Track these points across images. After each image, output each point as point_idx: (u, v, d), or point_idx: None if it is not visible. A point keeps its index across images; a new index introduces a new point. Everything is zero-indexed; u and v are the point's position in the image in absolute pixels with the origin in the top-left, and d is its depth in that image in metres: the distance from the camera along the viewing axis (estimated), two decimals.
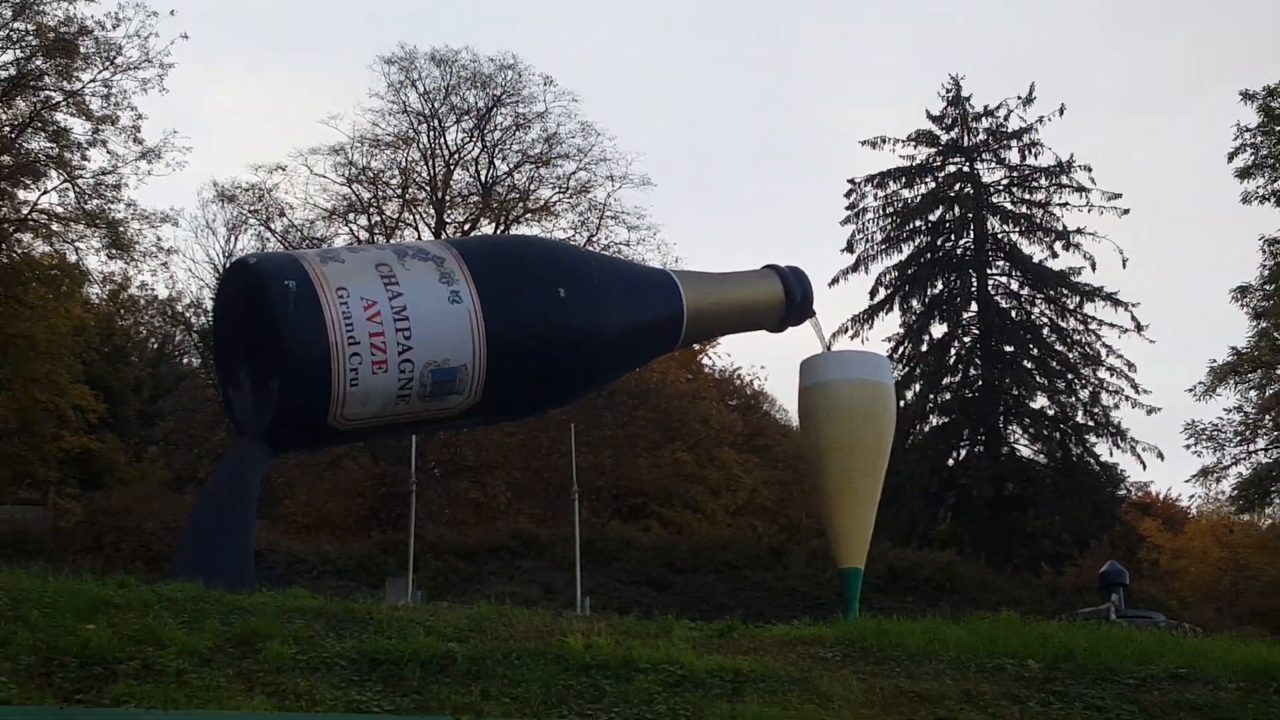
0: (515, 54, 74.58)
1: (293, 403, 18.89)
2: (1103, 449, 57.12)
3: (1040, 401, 57.64)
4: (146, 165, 51.00)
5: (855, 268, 59.51)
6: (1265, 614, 49.07)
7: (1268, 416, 46.58)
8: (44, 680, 12.20)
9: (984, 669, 15.71)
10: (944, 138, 60.34)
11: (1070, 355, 57.75)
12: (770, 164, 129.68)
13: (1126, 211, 58.79)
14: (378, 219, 57.03)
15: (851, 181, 60.54)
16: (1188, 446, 48.34)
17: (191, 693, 12.20)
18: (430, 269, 19.73)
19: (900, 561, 45.52)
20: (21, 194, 50.25)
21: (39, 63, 49.79)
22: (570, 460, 31.21)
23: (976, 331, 58.23)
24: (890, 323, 59.90)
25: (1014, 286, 59.12)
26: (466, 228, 55.84)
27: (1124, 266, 62.93)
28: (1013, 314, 58.57)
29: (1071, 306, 58.08)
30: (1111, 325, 57.32)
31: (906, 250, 59.61)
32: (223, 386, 21.44)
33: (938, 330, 59.01)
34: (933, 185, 60.21)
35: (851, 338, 58.30)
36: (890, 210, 60.11)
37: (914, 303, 59.16)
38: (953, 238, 59.84)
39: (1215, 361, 47.12)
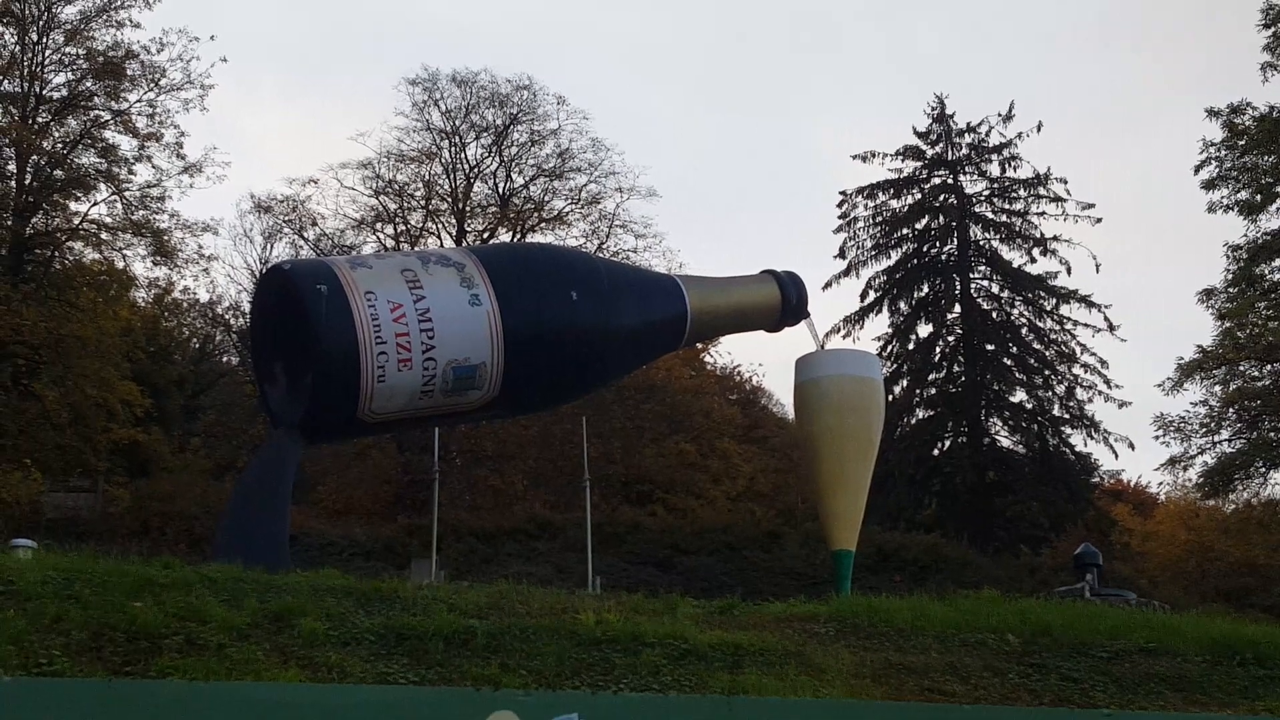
0: (530, 75, 74.80)
1: (324, 397, 18.89)
2: (1077, 439, 57.29)
3: (1019, 396, 57.75)
4: (189, 179, 51.07)
5: (847, 272, 59.62)
6: (1228, 593, 49.10)
7: (1231, 409, 46.47)
8: (94, 654, 12.21)
9: (967, 643, 15.68)
10: (929, 152, 60.39)
11: (1047, 353, 57.78)
12: (767, 176, 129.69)
13: (1099, 220, 58.87)
14: (403, 228, 57.04)
15: (843, 193, 60.74)
16: (1156, 437, 48.26)
17: (231, 665, 12.21)
18: (452, 274, 19.72)
19: (889, 543, 45.56)
20: (73, 205, 50.33)
21: (89, 84, 49.86)
22: (582, 450, 31.25)
23: (960, 331, 58.27)
24: (880, 323, 59.97)
25: (995, 289, 59.18)
26: (485, 236, 55.83)
27: (1097, 271, 62.96)
28: (993, 315, 58.59)
29: (1048, 308, 58.16)
30: (1085, 325, 57.51)
31: (895, 256, 59.72)
32: (260, 383, 21.43)
33: (924, 330, 59.15)
34: (919, 196, 60.25)
35: (843, 337, 58.45)
36: (879, 219, 60.17)
37: (901, 305, 59.23)
38: (938, 244, 59.87)
39: (1182, 359, 47.07)
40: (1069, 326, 57.72)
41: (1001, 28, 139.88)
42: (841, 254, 59.91)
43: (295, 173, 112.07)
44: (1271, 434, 46.01)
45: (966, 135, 60.29)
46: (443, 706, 11.61)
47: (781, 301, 23.81)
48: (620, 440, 52.04)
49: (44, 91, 49.83)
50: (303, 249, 57.50)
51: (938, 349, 58.70)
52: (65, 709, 10.75)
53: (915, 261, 59.52)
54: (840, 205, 60.55)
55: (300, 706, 11.18)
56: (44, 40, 49.70)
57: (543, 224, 57.29)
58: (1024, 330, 58.32)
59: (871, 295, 59.31)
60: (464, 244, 52.96)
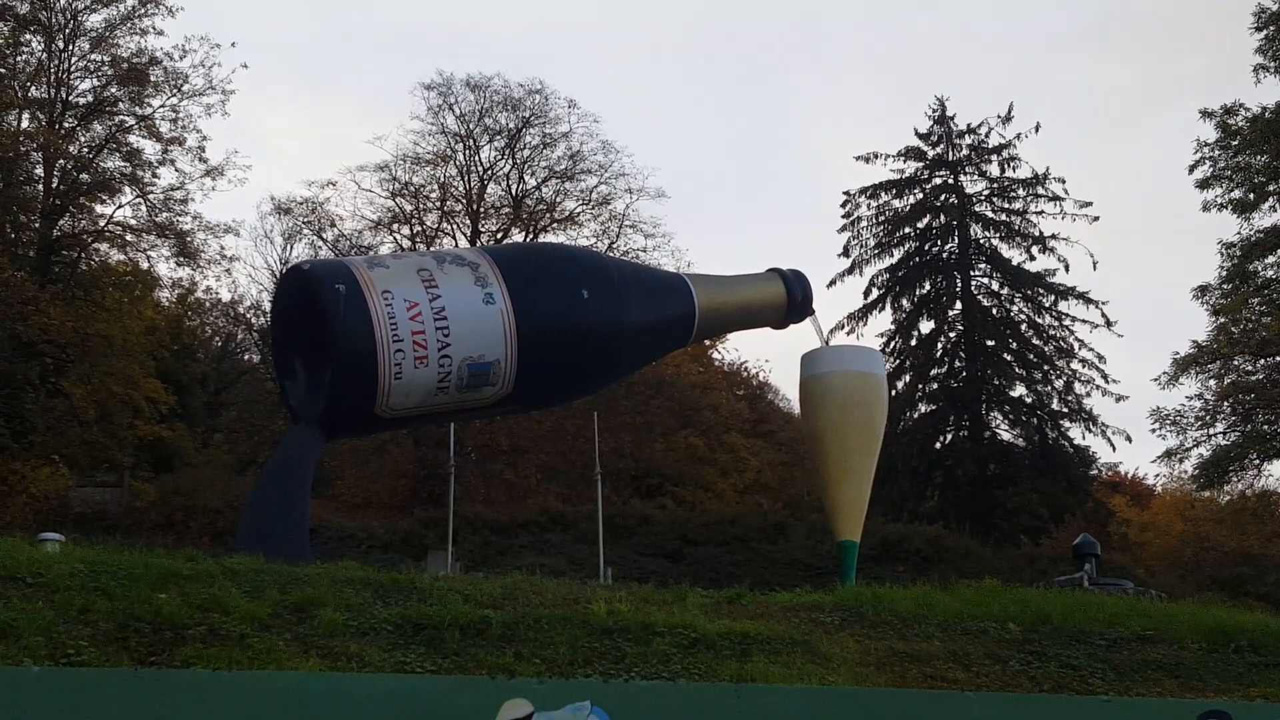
0: (542, 80, 74.83)
1: (343, 394, 18.91)
2: (1076, 433, 57.24)
3: (1019, 390, 57.70)
4: (211, 182, 51.16)
5: (851, 271, 59.53)
6: (1223, 581, 49.02)
7: (1225, 403, 46.39)
8: (120, 644, 12.23)
9: (969, 631, 15.68)
10: (931, 153, 60.33)
11: (1046, 348, 57.73)
12: (773, 177, 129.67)
13: (1097, 218, 58.77)
14: (419, 229, 57.03)
15: (847, 193, 60.66)
16: (1153, 430, 48.15)
17: (253, 655, 12.22)
18: (467, 273, 19.73)
19: (892, 534, 45.55)
20: (99, 208, 50.46)
21: (114, 90, 49.96)
22: (593, 444, 31.20)
23: (961, 327, 58.23)
24: (883, 320, 60.08)
25: (995, 287, 59.13)
26: (499, 236, 55.84)
27: (1094, 268, 63.59)
28: (994, 311, 58.55)
29: (1047, 304, 58.10)
30: (1083, 321, 57.42)
31: (897, 255, 59.65)
32: (280, 379, 21.45)
33: (926, 327, 59.09)
34: (920, 196, 60.19)
35: (847, 334, 58.31)
36: (882, 219, 60.12)
37: (904, 302, 59.18)
38: (939, 243, 59.81)
39: (1178, 354, 46.95)
40: (1067, 322, 57.70)
41: (1000, 32, 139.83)
42: (845, 252, 59.90)
43: (314, 175, 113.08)
44: (1265, 427, 45.94)
45: (967, 136, 60.26)
46: (458, 695, 11.62)
47: (787, 299, 23.81)
48: (631, 435, 52.02)
49: (70, 97, 49.93)
50: (321, 250, 57.55)
51: (939, 345, 58.66)
52: (92, 698, 10.77)
53: (917, 260, 59.48)
54: (844, 205, 60.57)
55: (320, 695, 11.19)
56: (70, 48, 49.80)
57: (555, 224, 57.30)
58: (1023, 326, 58.28)
59: (875, 293, 59.30)
60: (478, 244, 52.97)
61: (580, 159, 57.67)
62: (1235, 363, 46.49)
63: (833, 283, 59.29)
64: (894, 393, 50.89)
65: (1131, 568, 45.24)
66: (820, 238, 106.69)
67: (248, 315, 66.40)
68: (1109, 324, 56.92)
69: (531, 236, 55.70)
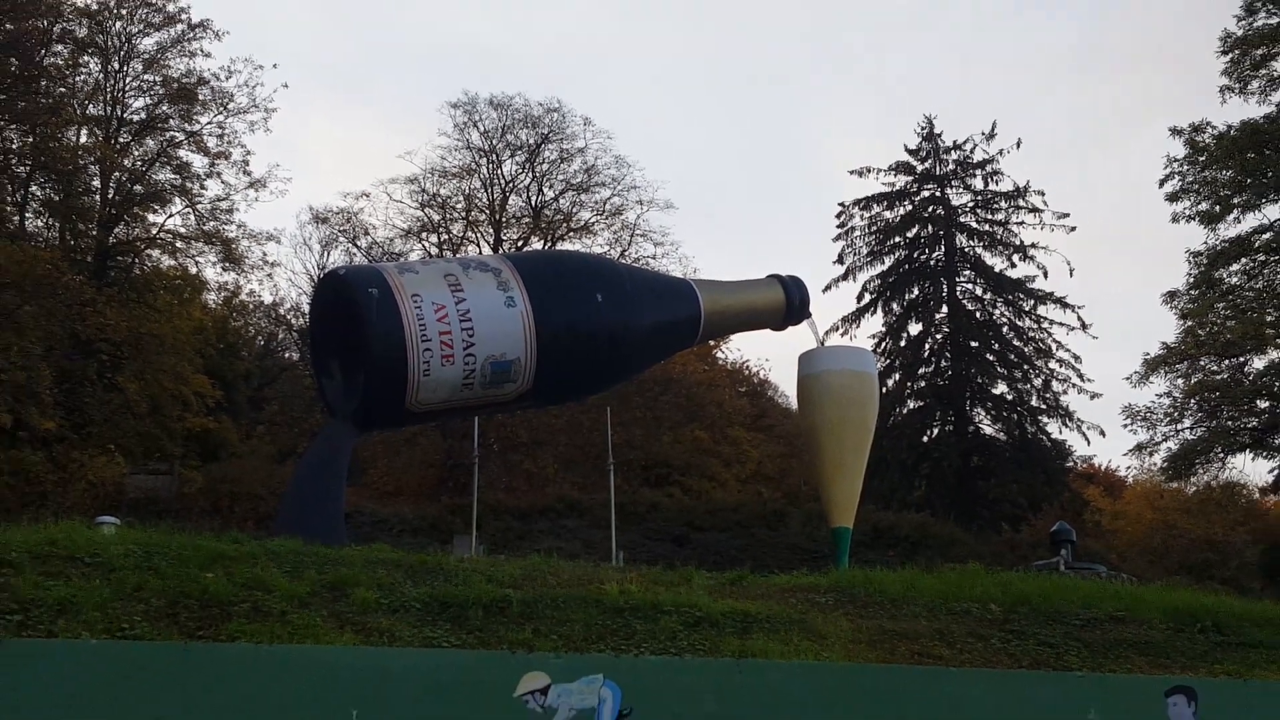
0: (560, 99, 74.65)
1: (376, 390, 18.89)
2: (1053, 428, 57.24)
3: (1000, 388, 57.69)
4: (254, 193, 51.43)
5: (844, 277, 59.57)
6: (1190, 566, 49.02)
7: (1192, 401, 46.26)
8: (171, 620, 12.25)
9: (953, 611, 15.67)
10: (919, 167, 60.27)
11: (1026, 349, 57.69)
12: (773, 190, 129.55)
13: (1074, 229, 58.89)
14: (445, 237, 57.10)
15: (842, 204, 60.71)
16: (1125, 426, 48.01)
17: (293, 630, 12.24)
18: (490, 279, 19.70)
19: (883, 522, 45.49)
20: (151, 217, 50.62)
21: (165, 108, 50.13)
22: (606, 437, 31.23)
23: (947, 330, 58.19)
24: (874, 322, 59.90)
25: (978, 292, 59.07)
26: (520, 244, 55.84)
27: (1071, 275, 63.57)
28: (977, 315, 58.51)
29: (1027, 309, 58.10)
30: (1060, 324, 57.47)
31: (888, 262, 59.66)
32: (318, 376, 21.42)
33: (914, 329, 59.03)
34: (910, 207, 60.17)
35: (841, 335, 58.35)
36: (874, 228, 60.10)
37: (894, 306, 59.16)
38: (927, 251, 59.76)
39: (1148, 354, 46.85)
40: (1045, 325, 57.68)
41: (986, 54, 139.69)
42: (840, 260, 59.93)
43: (349, 187, 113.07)
44: (1229, 423, 45.84)
45: (953, 152, 60.22)
46: (481, 667, 11.65)
47: (786, 303, 23.74)
48: (641, 428, 52.02)
49: (125, 115, 50.08)
50: (356, 256, 57.64)
51: (927, 346, 58.63)
52: (145, 669, 10.81)
53: (906, 267, 59.43)
54: (839, 215, 60.56)
55: (354, 667, 11.23)
56: (124, 69, 49.94)
57: (571, 233, 57.36)
58: (1005, 329, 58.22)
59: (867, 297, 59.30)
60: (500, 251, 53.00)
61: (595, 173, 57.81)
62: (1201, 363, 46.39)
63: (828, 288, 59.43)
64: (885, 390, 50.92)
65: (1104, 553, 45.17)
66: (816, 246, 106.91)
67: (288, 316, 66.56)
68: (1084, 327, 56.97)
69: (550, 244, 55.71)
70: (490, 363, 19.25)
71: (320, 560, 14.56)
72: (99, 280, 45.97)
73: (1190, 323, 46.72)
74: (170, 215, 50.29)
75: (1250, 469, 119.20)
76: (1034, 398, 57.09)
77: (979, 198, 59.78)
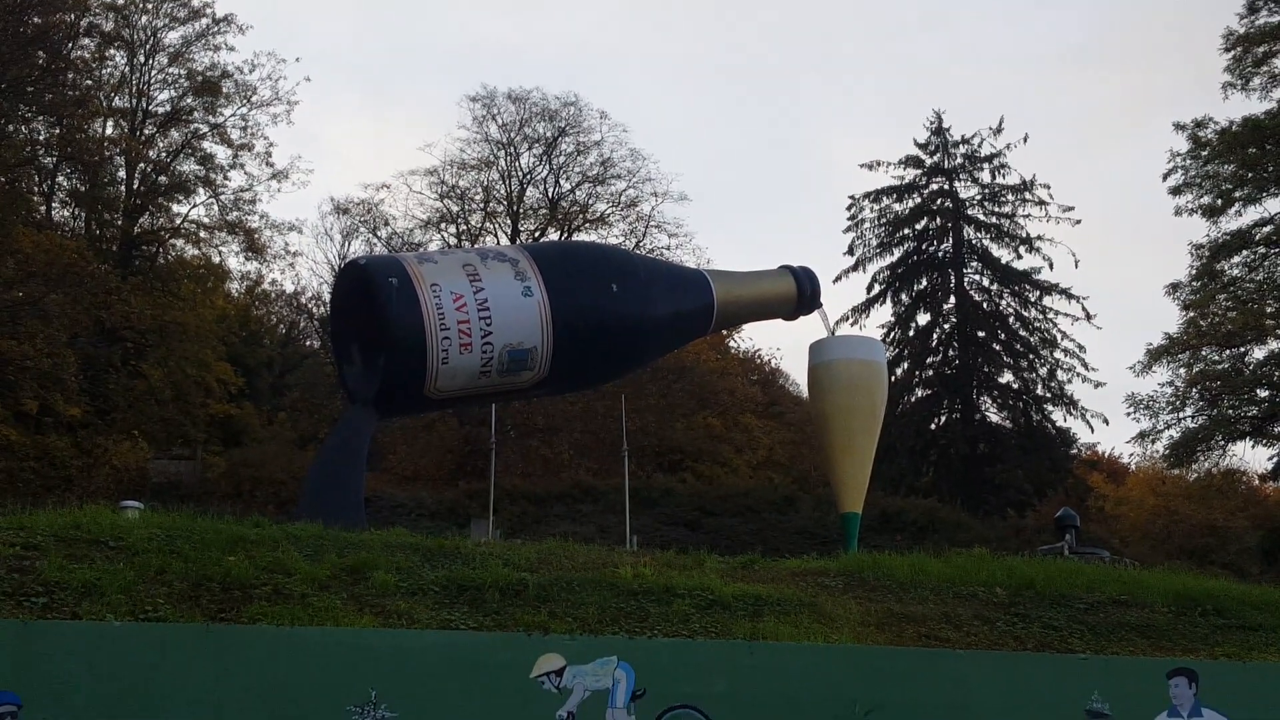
0: (577, 93, 74.96)
1: (395, 377, 18.89)
2: (1058, 416, 57.14)
3: (1007, 377, 57.64)
4: (277, 184, 51.70)
5: (855, 268, 59.46)
6: (1191, 551, 48.99)
7: (1194, 390, 46.18)
8: (193, 602, 12.26)
9: (960, 595, 15.64)
10: (928, 161, 60.13)
11: (1031, 339, 57.59)
12: (786, 183, 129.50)
13: (1079, 221, 58.88)
14: (464, 228, 57.12)
15: (852, 197, 60.57)
16: (1128, 414, 48.09)
17: (313, 613, 12.25)
18: (507, 269, 19.68)
19: (891, 507, 45.45)
20: (175, 208, 50.79)
21: (189, 101, 50.25)
22: (621, 424, 31.19)
23: (954, 320, 58.10)
24: (883, 313, 59.78)
25: (985, 283, 58.95)
26: (537, 235, 55.85)
27: (1076, 266, 63.67)
28: (984, 305, 58.41)
29: (1033, 299, 57.98)
30: (1065, 315, 57.32)
31: (897, 253, 59.58)
32: (339, 363, 21.44)
33: (923, 319, 58.98)
34: (919, 200, 60.05)
35: (851, 325, 58.23)
36: (883, 220, 59.98)
37: (903, 296, 59.09)
38: (935, 243, 59.68)
39: (1151, 344, 46.80)
40: (1051, 316, 57.58)
41: (993, 51, 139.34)
42: (850, 251, 59.84)
43: (370, 178, 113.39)
44: (1230, 411, 45.76)
45: (961, 146, 60.04)
46: (498, 649, 11.66)
47: (797, 293, 23.70)
48: (654, 415, 52.00)
49: (150, 107, 50.25)
50: (376, 246, 57.68)
51: (935, 336, 58.56)
52: (168, 650, 10.82)
53: (915, 258, 59.35)
54: (849, 208, 60.45)
55: (373, 649, 11.23)
56: (150, 62, 50.08)
57: (587, 224, 57.31)
58: (1011, 319, 58.12)
59: (876, 288, 59.21)
60: (518, 242, 52.99)
61: (611, 165, 57.75)
62: (1203, 353, 46.31)
63: (839, 278, 59.29)
64: (893, 379, 50.80)
65: (1108, 538, 45.09)
66: (827, 237, 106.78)
67: (309, 305, 66.71)
68: (1089, 317, 56.87)
69: (566, 235, 55.71)
70: (508, 351, 19.24)
71: (340, 544, 14.56)
72: (124, 269, 46.11)
73: (1192, 313, 46.68)
74: (194, 206, 50.51)
75: (1250, 456, 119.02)
76: (1039, 386, 57.04)
77: (986, 191, 59.66)
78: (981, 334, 57.76)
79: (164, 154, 50.05)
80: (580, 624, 12.86)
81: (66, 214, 50.15)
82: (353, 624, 12.05)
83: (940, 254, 59.37)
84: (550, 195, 58.10)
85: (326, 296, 58.10)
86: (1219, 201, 46.31)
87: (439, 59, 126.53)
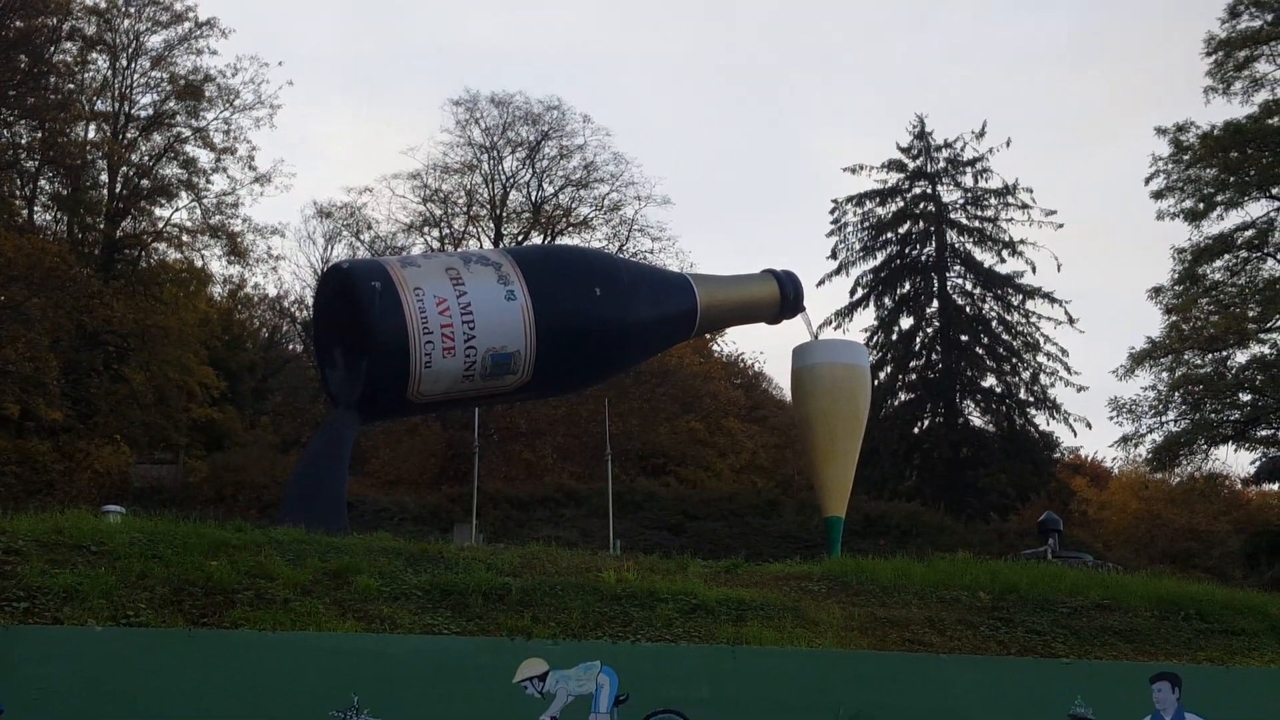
0: (560, 97, 74.81)
1: (378, 380, 18.90)
2: (1041, 420, 57.07)
3: (989, 381, 57.63)
4: (259, 188, 51.41)
5: (838, 271, 59.39)
6: (1174, 555, 49.08)
7: (1176, 394, 46.22)
8: (175, 607, 12.24)
9: (943, 599, 15.67)
10: (911, 165, 60.14)
11: (1014, 343, 57.60)
12: (768, 186, 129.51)
13: (1061, 225, 59.22)
14: (447, 232, 56.98)
15: (835, 201, 60.50)
16: (1111, 418, 48.03)
17: (295, 618, 12.23)
18: (490, 272, 19.70)
19: (874, 511, 45.48)
20: (158, 211, 50.60)
21: (172, 105, 50.11)
22: (604, 427, 31.18)
23: (937, 324, 58.12)
24: (866, 316, 59.79)
25: (968, 287, 58.96)
26: (520, 239, 55.77)
27: (1059, 270, 63.59)
28: (967, 309, 58.43)
29: (1016, 303, 57.98)
30: (1048, 319, 57.28)
31: (880, 257, 59.51)
32: (321, 367, 21.42)
33: (906, 323, 58.95)
34: (902, 204, 60.04)
35: (834, 329, 58.19)
36: (867, 224, 59.96)
37: (886, 300, 59.07)
38: (918, 247, 59.70)
39: (1134, 348, 46.78)
40: (1034, 320, 57.57)
41: (976, 55, 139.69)
42: (833, 255, 59.79)
43: (353, 182, 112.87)
44: (1212, 415, 45.82)
45: (944, 150, 60.07)
46: (481, 654, 11.65)
47: (780, 297, 23.76)
48: (638, 419, 51.96)
49: (132, 111, 50.07)
50: (359, 250, 57.57)
51: (918, 339, 58.58)
52: (150, 655, 10.80)
53: (898, 262, 59.37)
54: (832, 212, 60.41)
55: (356, 654, 11.22)
56: (132, 66, 49.91)
57: (570, 228, 57.24)
58: (994, 323, 58.15)
59: (860, 292, 59.17)
60: (501, 246, 52.94)
61: (594, 169, 57.65)
62: (1185, 357, 46.36)
63: (822, 282, 59.21)
64: (876, 383, 50.85)
65: (1091, 542, 45.22)
66: (810, 241, 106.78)
67: (292, 309, 66.56)
68: (1071, 321, 56.89)
69: (549, 239, 55.65)
70: (491, 355, 19.25)
71: (322, 548, 14.54)
72: (106, 273, 45.94)
73: (1175, 317, 46.73)
74: (176, 209, 50.33)
75: (1232, 460, 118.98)
76: (1022, 390, 57.07)
77: (969, 195, 59.69)
78: (964, 338, 57.81)
79: (146, 158, 49.91)
80: (563, 629, 12.85)
81: (48, 218, 49.98)
82: (335, 629, 12.03)
83: (923, 258, 59.42)
84: (533, 199, 58.08)
85: (309, 300, 57.98)
86: (1201, 205, 46.39)
87: (421, 63, 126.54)
